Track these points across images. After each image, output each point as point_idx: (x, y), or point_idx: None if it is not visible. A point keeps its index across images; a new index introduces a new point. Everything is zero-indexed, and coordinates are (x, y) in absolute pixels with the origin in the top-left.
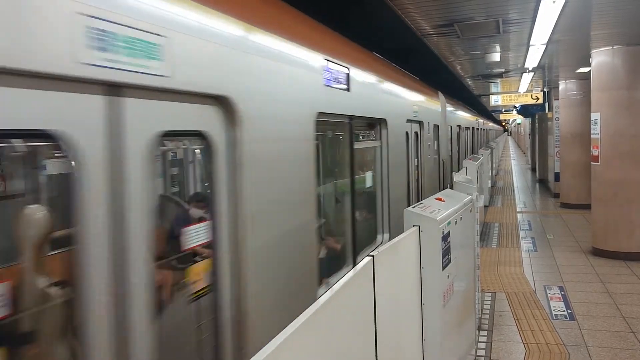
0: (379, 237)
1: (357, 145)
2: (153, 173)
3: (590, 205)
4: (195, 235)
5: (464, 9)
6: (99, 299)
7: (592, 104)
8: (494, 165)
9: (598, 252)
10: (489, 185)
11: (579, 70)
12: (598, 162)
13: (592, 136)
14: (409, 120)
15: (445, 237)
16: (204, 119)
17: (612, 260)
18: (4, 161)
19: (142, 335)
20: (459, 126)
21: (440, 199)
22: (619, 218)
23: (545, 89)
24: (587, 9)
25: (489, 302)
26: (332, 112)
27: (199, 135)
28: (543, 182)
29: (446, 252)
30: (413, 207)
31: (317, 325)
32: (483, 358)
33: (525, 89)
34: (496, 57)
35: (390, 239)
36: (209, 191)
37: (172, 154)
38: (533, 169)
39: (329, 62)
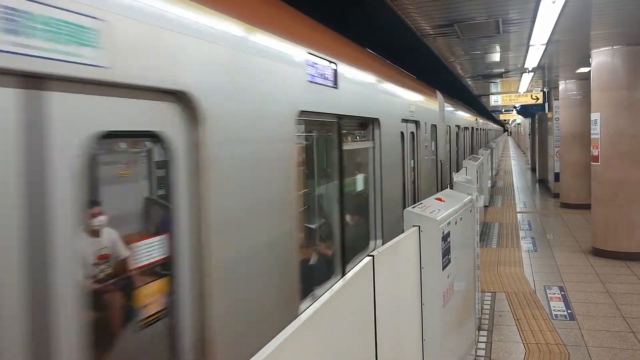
0: (372, 244)
1: (346, 147)
2: (86, 179)
3: (590, 205)
4: (146, 252)
5: (464, 9)
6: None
7: (592, 104)
8: (494, 166)
9: (598, 252)
10: (489, 185)
11: (578, 71)
12: (598, 162)
13: (592, 136)
14: (404, 120)
15: (445, 237)
16: (157, 117)
17: (612, 260)
18: None
19: None
20: (458, 126)
21: (440, 199)
22: (619, 218)
23: (545, 89)
24: (587, 9)
25: (489, 302)
26: (316, 111)
27: (152, 136)
28: (543, 182)
29: (446, 252)
30: (413, 207)
31: (317, 325)
32: (483, 358)
33: (525, 89)
34: (496, 57)
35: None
36: (162, 200)
37: (119, 157)
38: (533, 169)
39: (313, 57)
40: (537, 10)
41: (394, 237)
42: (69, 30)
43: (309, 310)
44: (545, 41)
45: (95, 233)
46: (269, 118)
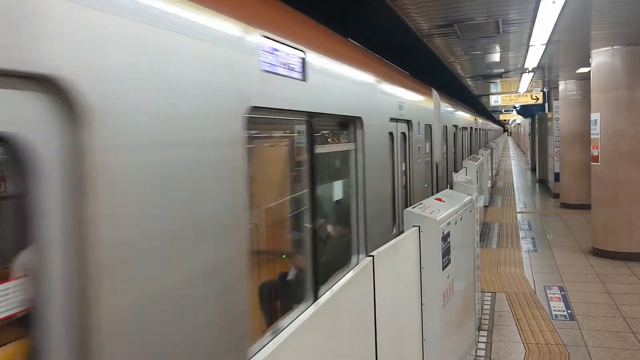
0: (354, 259)
1: (319, 150)
2: None
3: (590, 205)
4: None
5: (464, 9)
6: None
7: (592, 104)
8: (494, 166)
9: (598, 252)
10: (489, 185)
11: (578, 71)
12: (598, 162)
13: (592, 136)
14: (393, 119)
15: (445, 238)
16: (10, 113)
17: (612, 260)
18: None
19: None
20: (456, 126)
21: (440, 199)
22: (619, 218)
23: (545, 89)
24: (587, 9)
25: (489, 302)
26: (277, 108)
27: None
28: (543, 182)
29: (446, 253)
30: (413, 207)
31: (317, 325)
32: (483, 358)
33: (525, 89)
34: (496, 57)
35: None
36: (21, 229)
37: None
38: (533, 169)
39: (270, 41)
40: (537, 10)
41: None
42: None
43: (309, 310)
44: (545, 41)
45: None
46: (203, 116)
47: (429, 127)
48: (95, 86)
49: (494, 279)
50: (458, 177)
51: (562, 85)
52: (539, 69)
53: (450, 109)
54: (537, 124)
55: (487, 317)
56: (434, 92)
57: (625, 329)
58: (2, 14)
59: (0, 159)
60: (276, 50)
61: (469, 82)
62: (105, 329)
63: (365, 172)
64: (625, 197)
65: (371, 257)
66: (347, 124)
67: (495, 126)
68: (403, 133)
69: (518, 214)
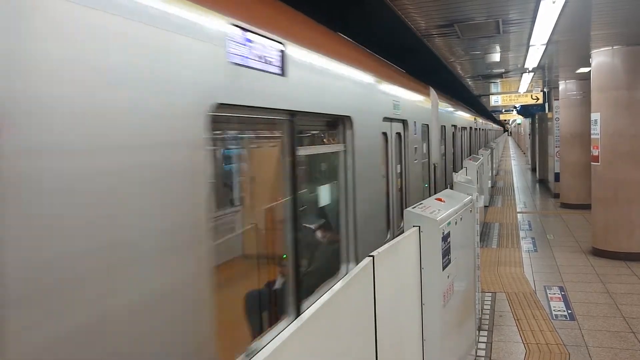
0: (343, 269)
1: (302, 152)
2: None
3: (590, 205)
4: None
5: (464, 9)
6: None
7: (592, 104)
8: (494, 166)
9: (598, 252)
10: (489, 185)
11: (578, 71)
12: (598, 162)
13: (592, 136)
14: (387, 119)
15: (446, 238)
16: None
17: (612, 260)
18: None
19: None
20: (454, 126)
21: (440, 199)
22: (619, 218)
23: (545, 89)
24: (587, 9)
25: (489, 303)
26: (249, 105)
27: None
28: (543, 182)
29: (446, 253)
30: (413, 208)
31: (317, 325)
32: (483, 358)
33: (525, 89)
34: (496, 57)
35: None
36: None
37: None
38: (533, 169)
39: (241, 30)
40: (537, 10)
41: None
42: None
43: (309, 310)
44: (545, 41)
45: None
46: (150, 114)
47: (426, 127)
48: None
49: (494, 279)
50: (458, 177)
51: (562, 85)
52: (539, 69)
53: (449, 108)
54: (537, 124)
55: (487, 317)
56: (432, 91)
57: (625, 329)
58: None
59: None
60: (250, 41)
61: (469, 82)
62: None
63: (355, 175)
64: (625, 197)
65: (371, 257)
66: (335, 124)
67: (495, 126)
68: (398, 133)
69: (518, 214)
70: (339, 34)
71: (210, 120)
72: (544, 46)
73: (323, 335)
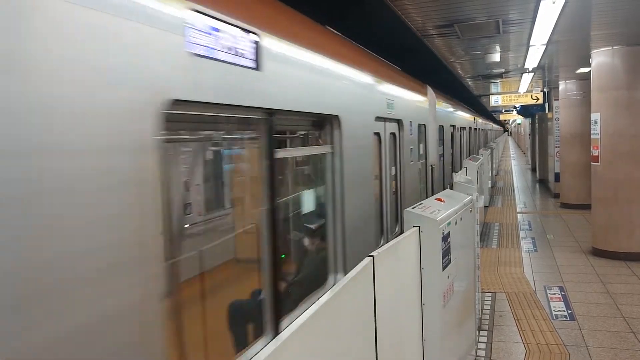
0: (330, 279)
1: (282, 154)
2: None
3: (590, 205)
4: None
5: (464, 9)
6: None
7: (592, 104)
8: (494, 166)
9: (598, 252)
10: (489, 185)
11: (579, 71)
12: (598, 162)
13: (592, 136)
14: (379, 119)
15: (445, 238)
16: None
17: (612, 260)
18: None
19: None
20: (453, 126)
21: (440, 200)
22: (619, 218)
23: (545, 89)
24: (587, 9)
25: (489, 303)
26: (215, 102)
27: None
28: (543, 182)
29: (446, 253)
30: (413, 208)
31: (317, 325)
32: (483, 358)
33: (525, 89)
34: (496, 57)
35: None
36: None
37: None
38: (533, 169)
39: (204, 17)
40: (537, 10)
41: None
42: None
43: (309, 310)
44: (545, 41)
45: None
46: (81, 111)
47: (423, 127)
48: None
49: (494, 279)
50: (458, 177)
51: (562, 85)
52: (539, 69)
53: (448, 108)
54: (537, 124)
55: (488, 317)
56: (429, 90)
57: (625, 329)
58: None
59: None
60: (216, 29)
61: (469, 82)
62: None
63: (344, 177)
64: (625, 197)
65: (371, 257)
66: (321, 124)
67: (495, 126)
68: (392, 133)
69: (518, 214)
70: (327, 27)
71: (163, 119)
72: (544, 46)
73: (323, 335)
